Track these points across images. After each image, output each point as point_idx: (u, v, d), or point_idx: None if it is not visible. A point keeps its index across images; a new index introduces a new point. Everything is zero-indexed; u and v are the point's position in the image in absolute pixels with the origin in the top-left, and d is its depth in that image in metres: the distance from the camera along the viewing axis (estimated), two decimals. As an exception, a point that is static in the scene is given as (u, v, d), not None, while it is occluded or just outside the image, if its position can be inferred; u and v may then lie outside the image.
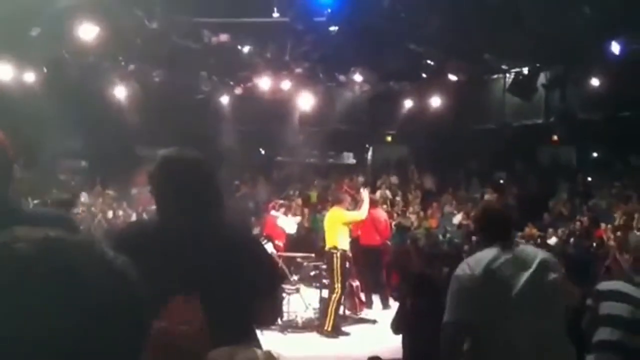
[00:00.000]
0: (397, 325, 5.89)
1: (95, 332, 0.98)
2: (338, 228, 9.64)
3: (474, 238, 13.41)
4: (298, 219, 13.36)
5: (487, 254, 3.67)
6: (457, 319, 3.67)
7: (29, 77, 14.35)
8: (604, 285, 4.24)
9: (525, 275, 3.59)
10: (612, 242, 12.29)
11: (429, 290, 5.70)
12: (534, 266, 3.63)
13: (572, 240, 12.15)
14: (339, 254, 9.51)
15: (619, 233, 12.40)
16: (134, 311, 1.07)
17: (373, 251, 11.48)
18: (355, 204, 15.30)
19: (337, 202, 10.25)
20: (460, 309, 3.67)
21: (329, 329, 9.30)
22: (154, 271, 2.49)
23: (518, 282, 3.57)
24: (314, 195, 17.85)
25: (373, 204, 12.24)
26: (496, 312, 3.59)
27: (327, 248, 9.78)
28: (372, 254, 11.43)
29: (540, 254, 3.79)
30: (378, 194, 16.94)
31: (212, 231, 2.65)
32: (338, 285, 9.46)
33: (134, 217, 15.16)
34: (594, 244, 12.73)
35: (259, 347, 2.78)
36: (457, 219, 15.34)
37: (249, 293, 2.64)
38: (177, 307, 1.96)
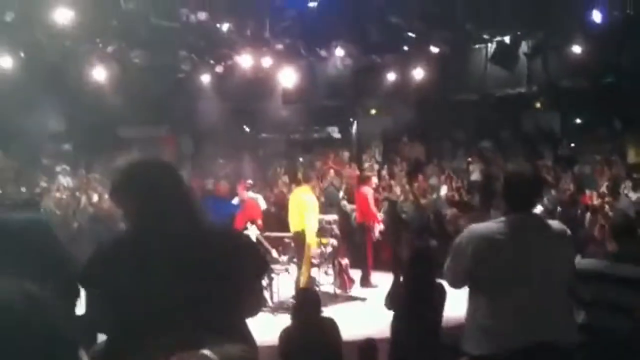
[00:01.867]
0: (391, 301, 5.86)
1: None
2: (305, 209, 9.50)
3: (450, 211, 13.54)
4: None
5: (494, 225, 3.68)
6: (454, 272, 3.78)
7: (6, 62, 14.13)
8: (584, 265, 4.25)
9: (532, 248, 3.60)
10: (598, 208, 12.37)
11: (423, 266, 5.68)
12: (542, 239, 3.64)
13: (558, 208, 12.19)
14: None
15: (607, 199, 12.47)
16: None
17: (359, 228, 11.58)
18: (341, 179, 15.36)
19: (305, 180, 10.08)
20: (458, 262, 3.73)
21: None
22: (140, 285, 2.49)
23: (522, 254, 3.58)
24: (300, 171, 17.83)
25: (363, 180, 12.29)
26: (495, 279, 3.60)
27: (296, 230, 9.61)
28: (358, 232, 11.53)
29: (553, 227, 3.77)
30: (366, 166, 17.01)
31: (191, 234, 2.62)
32: (305, 269, 9.44)
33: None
34: (580, 211, 12.81)
35: (250, 339, 2.77)
36: (444, 190, 15.36)
37: (236, 288, 2.63)
38: None
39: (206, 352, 1.90)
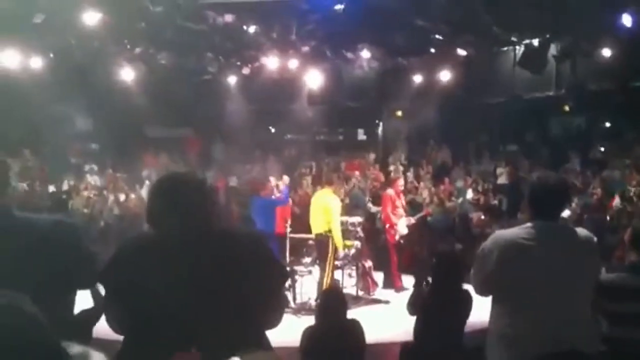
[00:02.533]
0: (413, 306, 5.77)
1: None
2: (330, 211, 9.50)
3: (475, 215, 13.42)
4: None
5: (521, 231, 3.63)
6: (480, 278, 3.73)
7: (36, 63, 14.33)
8: (608, 279, 4.17)
9: (557, 255, 3.56)
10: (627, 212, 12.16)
11: (448, 271, 5.62)
12: (567, 248, 3.60)
13: (585, 216, 12.02)
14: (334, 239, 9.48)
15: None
16: None
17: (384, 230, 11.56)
18: (366, 180, 15.33)
19: (328, 182, 10.10)
20: (484, 269, 3.69)
21: None
22: (158, 288, 2.51)
23: (547, 261, 3.54)
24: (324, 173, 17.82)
25: (388, 183, 12.28)
26: (519, 286, 3.57)
27: (320, 231, 9.60)
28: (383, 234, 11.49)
29: (580, 235, 3.72)
30: (392, 168, 16.95)
31: (211, 240, 2.65)
32: (329, 271, 9.43)
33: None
34: (608, 217, 12.62)
35: (269, 347, 2.77)
36: (469, 193, 15.26)
37: (254, 296, 2.63)
38: None
39: (236, 359, 1.89)
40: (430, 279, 5.81)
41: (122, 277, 2.66)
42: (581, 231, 3.78)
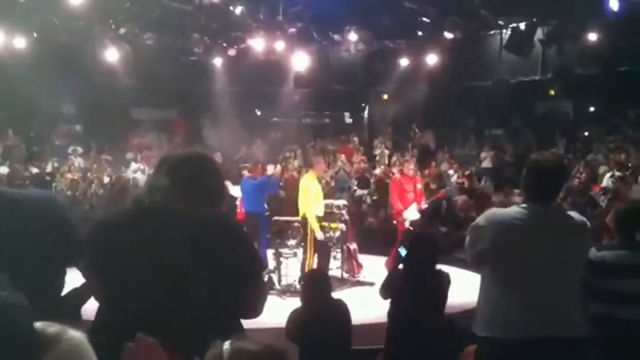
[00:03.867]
0: (386, 290, 5.66)
1: None
2: (310, 194, 9.51)
3: (460, 198, 13.47)
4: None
5: (515, 212, 3.62)
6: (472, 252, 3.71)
7: (20, 43, 14.14)
8: (597, 256, 4.18)
9: (550, 239, 3.55)
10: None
11: (420, 253, 5.54)
12: (560, 232, 3.59)
13: (568, 199, 12.09)
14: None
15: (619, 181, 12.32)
16: None
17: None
18: (351, 165, 15.33)
19: (310, 165, 10.11)
20: (475, 245, 3.67)
21: None
22: (135, 267, 2.51)
23: (539, 245, 3.53)
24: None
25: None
26: (510, 265, 3.57)
27: (302, 214, 9.64)
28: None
29: (573, 218, 3.70)
30: (377, 152, 16.96)
31: (188, 222, 2.63)
32: (310, 252, 9.46)
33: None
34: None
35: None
36: (454, 177, 15.32)
37: (230, 283, 2.60)
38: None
39: (226, 345, 1.86)
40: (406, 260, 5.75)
41: (96, 252, 2.66)
42: (575, 215, 3.75)
